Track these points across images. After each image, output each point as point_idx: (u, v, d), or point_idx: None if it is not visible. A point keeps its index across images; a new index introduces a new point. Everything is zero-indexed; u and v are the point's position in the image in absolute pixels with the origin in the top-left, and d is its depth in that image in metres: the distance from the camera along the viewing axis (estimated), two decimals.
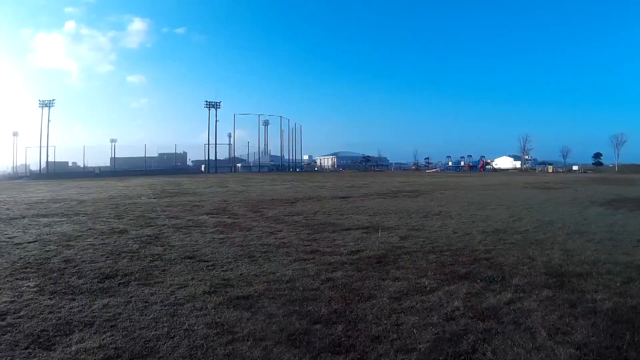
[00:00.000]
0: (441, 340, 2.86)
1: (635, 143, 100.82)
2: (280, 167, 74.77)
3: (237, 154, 74.57)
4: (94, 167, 55.20)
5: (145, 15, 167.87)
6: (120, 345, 2.92)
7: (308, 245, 6.38)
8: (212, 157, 64.53)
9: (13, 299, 3.92)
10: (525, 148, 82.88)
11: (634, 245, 6.18)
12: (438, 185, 24.37)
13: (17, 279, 4.65)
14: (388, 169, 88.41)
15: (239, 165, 72.12)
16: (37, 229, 8.29)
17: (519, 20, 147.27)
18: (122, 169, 52.19)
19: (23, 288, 4.27)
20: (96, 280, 4.57)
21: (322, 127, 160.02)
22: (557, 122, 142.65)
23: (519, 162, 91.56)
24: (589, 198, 14.68)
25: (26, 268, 5.13)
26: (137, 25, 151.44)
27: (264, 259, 5.53)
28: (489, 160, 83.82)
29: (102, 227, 8.54)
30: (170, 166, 61.40)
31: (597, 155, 79.61)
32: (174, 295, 4.03)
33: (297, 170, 77.60)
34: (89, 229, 8.23)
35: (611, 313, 3.38)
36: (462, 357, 2.61)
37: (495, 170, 76.04)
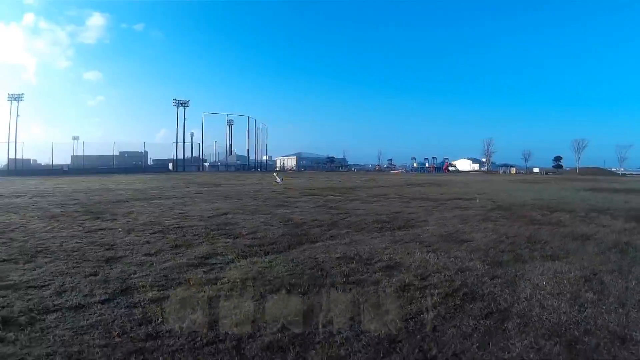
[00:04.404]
0: (602, 233, 8.16)
1: (594, 148, 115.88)
2: (246, 166, 77.97)
3: (199, 154, 76.45)
4: (62, 165, 55.06)
5: (105, 10, 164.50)
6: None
7: (448, 204, 11.33)
8: (179, 156, 66.43)
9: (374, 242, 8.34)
10: (489, 151, 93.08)
11: (623, 203, 12.25)
12: (436, 180, 30.57)
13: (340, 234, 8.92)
14: (351, 170, 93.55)
15: (206, 164, 74.34)
16: (183, 208, 9.88)
17: (481, 25, 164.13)
18: (87, 167, 52.63)
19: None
20: (380, 226, 7.34)
21: (281, 128, 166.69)
22: (518, 126, 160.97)
23: (477, 164, 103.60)
24: (574, 188, 21.55)
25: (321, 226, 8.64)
26: (96, 20, 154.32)
27: (446, 210, 10.05)
28: (452, 162, 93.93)
29: (255, 203, 11.42)
30: (132, 165, 62.18)
31: (558, 159, 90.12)
32: (461, 231, 8.58)
33: (259, 170, 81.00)
34: (243, 205, 10.57)
35: (635, 213, 9.01)
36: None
37: (458, 171, 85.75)
